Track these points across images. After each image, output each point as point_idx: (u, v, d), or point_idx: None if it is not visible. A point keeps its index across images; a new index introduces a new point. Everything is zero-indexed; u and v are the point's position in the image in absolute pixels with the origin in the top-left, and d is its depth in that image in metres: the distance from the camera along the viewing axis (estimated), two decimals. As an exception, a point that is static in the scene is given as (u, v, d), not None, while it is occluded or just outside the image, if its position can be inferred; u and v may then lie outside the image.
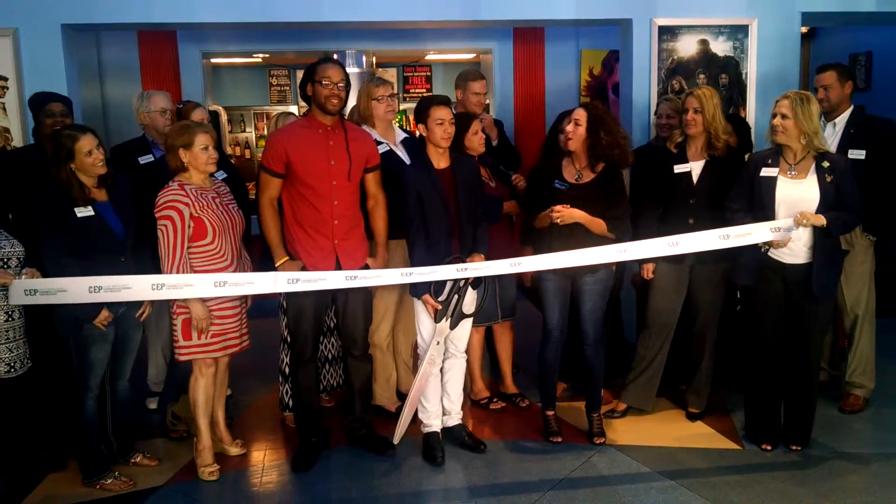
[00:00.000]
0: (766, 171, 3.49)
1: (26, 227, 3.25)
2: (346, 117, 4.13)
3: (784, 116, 3.41)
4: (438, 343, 3.56)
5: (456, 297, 3.51)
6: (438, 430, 3.72)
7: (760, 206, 3.47)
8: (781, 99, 3.45)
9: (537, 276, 3.75)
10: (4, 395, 3.13)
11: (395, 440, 3.68)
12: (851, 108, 4.01)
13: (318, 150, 3.44)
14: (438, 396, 3.72)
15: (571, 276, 3.64)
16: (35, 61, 4.40)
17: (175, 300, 3.38)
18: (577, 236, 3.55)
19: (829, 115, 4.03)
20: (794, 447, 3.64)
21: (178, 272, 3.29)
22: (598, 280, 3.65)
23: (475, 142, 3.87)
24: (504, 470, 3.57)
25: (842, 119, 4.00)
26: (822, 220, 3.33)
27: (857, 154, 3.88)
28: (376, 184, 3.65)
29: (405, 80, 9.78)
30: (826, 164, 3.41)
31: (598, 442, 3.76)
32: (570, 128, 3.60)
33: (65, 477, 3.54)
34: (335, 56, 7.16)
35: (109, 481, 3.44)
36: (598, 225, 3.56)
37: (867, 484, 3.39)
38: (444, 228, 3.51)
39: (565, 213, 3.52)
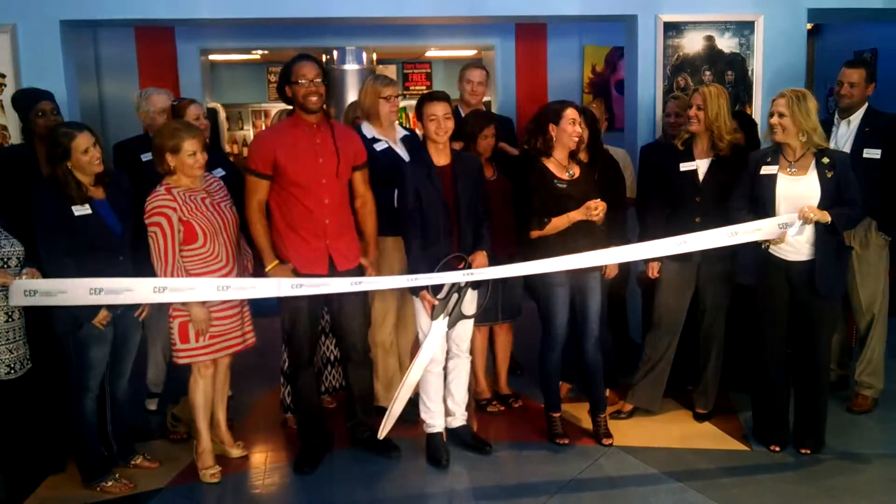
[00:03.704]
0: (765, 170, 3.46)
1: (20, 226, 3.20)
2: (344, 113, 4.11)
3: (781, 115, 3.38)
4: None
5: (455, 296, 3.45)
6: (442, 431, 3.67)
7: (762, 204, 3.44)
8: (778, 98, 3.43)
9: (541, 280, 3.67)
10: (4, 397, 3.08)
11: (381, 435, 3.55)
12: (866, 106, 3.96)
13: (306, 149, 3.40)
14: (440, 396, 3.67)
15: (575, 275, 3.59)
16: (33, 58, 4.34)
17: (172, 302, 3.33)
18: (584, 232, 3.52)
19: (843, 112, 3.99)
20: (803, 451, 3.59)
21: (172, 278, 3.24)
22: (599, 277, 3.64)
23: (482, 145, 3.89)
24: (509, 472, 3.54)
25: (856, 117, 3.95)
26: (826, 217, 3.30)
27: (872, 153, 3.84)
28: (364, 182, 3.61)
29: (405, 78, 9.73)
30: (826, 160, 3.39)
31: (606, 443, 3.71)
32: (580, 130, 3.58)
33: (64, 479, 3.49)
34: (334, 53, 7.18)
35: (110, 483, 3.39)
36: None
37: (876, 485, 3.36)
38: (443, 226, 3.47)
39: (602, 207, 3.46)
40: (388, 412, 3.54)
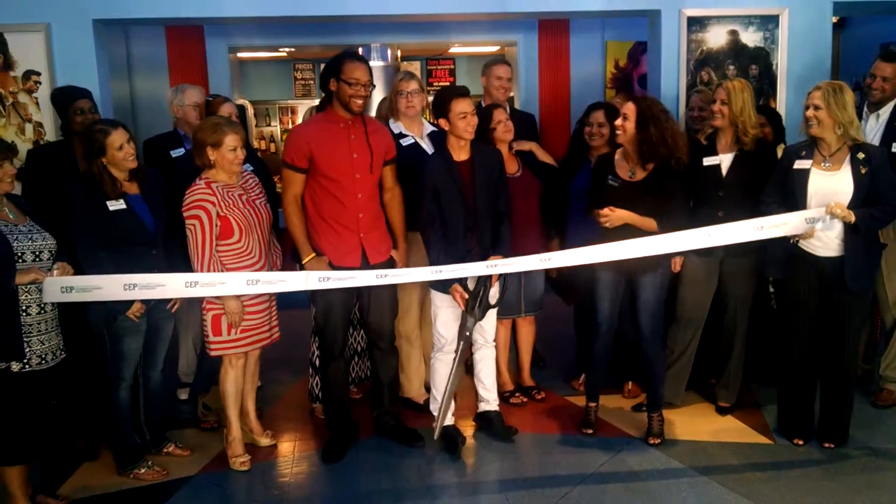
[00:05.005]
0: (799, 164, 3.43)
1: (55, 220, 3.28)
2: (376, 109, 4.17)
3: (817, 108, 3.35)
4: (469, 334, 3.55)
5: (483, 288, 3.50)
6: (452, 423, 3.72)
7: (793, 199, 3.42)
8: (813, 90, 3.39)
9: (588, 269, 3.60)
10: (38, 387, 3.17)
11: (436, 435, 3.63)
12: None
13: (340, 144, 3.44)
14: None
15: (627, 273, 3.56)
16: (66, 56, 4.43)
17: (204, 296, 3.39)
18: (630, 235, 3.42)
19: (873, 106, 3.96)
20: (827, 445, 3.59)
21: (208, 271, 3.31)
22: (657, 277, 3.55)
23: (500, 131, 3.89)
24: (533, 463, 3.58)
25: (885, 111, 3.92)
26: (851, 217, 3.27)
27: None
28: (393, 177, 3.66)
29: (429, 74, 9.78)
30: (861, 155, 3.35)
31: (652, 442, 3.67)
32: (618, 122, 3.51)
33: (98, 466, 3.59)
34: (360, 50, 7.24)
35: (143, 471, 3.48)
36: (647, 224, 3.45)
37: (902, 480, 3.35)
38: (462, 223, 3.49)
39: (612, 217, 3.42)
40: (439, 412, 3.60)
